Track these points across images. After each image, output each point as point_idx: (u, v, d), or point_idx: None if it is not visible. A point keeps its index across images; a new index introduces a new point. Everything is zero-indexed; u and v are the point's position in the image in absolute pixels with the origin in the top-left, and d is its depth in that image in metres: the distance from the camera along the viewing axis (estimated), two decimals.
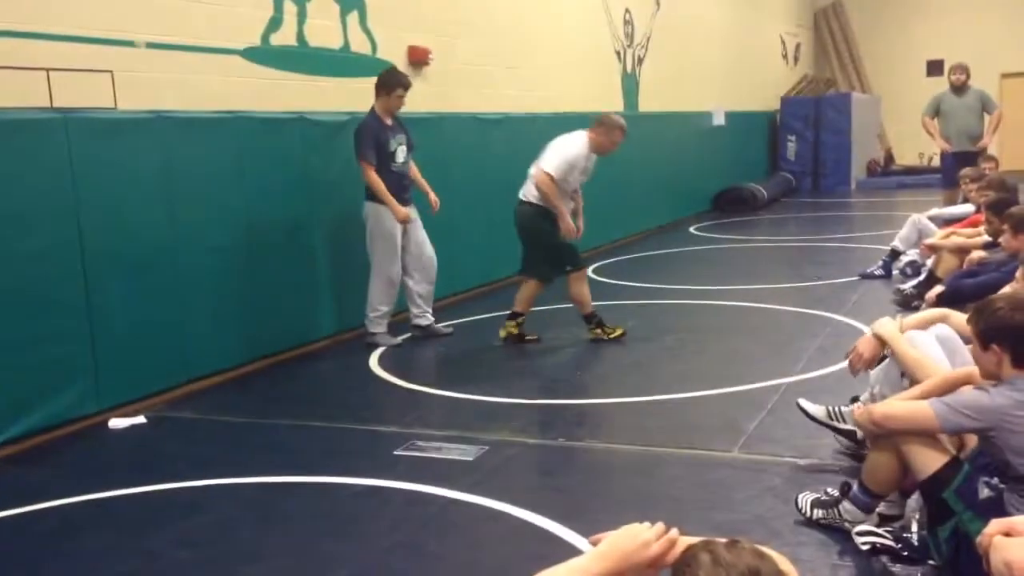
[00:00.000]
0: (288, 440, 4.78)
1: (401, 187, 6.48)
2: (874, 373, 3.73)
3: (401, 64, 7.80)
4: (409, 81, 6.51)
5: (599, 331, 6.37)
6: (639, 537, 1.70)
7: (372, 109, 6.44)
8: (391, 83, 6.39)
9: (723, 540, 1.49)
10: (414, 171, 6.74)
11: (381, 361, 6.24)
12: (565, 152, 6.15)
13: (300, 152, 6.55)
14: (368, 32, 7.45)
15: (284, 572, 3.31)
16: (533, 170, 6.24)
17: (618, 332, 6.38)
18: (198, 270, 5.75)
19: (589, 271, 7.25)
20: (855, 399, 3.97)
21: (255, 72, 6.38)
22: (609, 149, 6.32)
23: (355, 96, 7.26)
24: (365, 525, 3.66)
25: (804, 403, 4.07)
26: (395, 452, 4.41)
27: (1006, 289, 3.85)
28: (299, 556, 3.41)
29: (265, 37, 6.46)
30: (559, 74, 10.37)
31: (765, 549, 1.48)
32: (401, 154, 6.48)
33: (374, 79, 7.42)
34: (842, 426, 3.93)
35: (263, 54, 6.45)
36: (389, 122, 6.45)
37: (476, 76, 8.89)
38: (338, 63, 7.14)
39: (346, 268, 6.98)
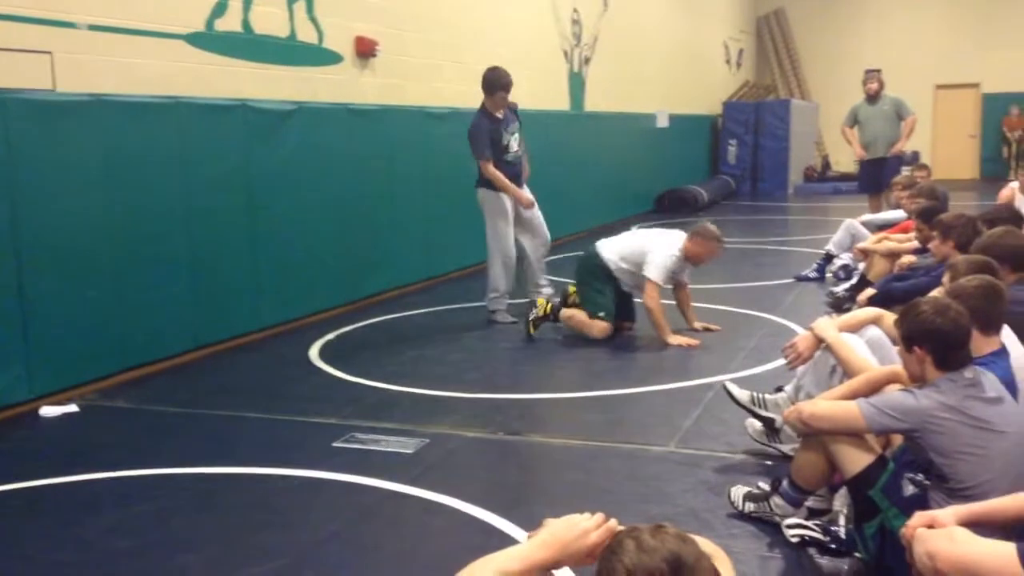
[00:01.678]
0: (225, 431, 4.73)
1: (515, 175, 6.78)
2: (801, 367, 3.85)
3: (348, 54, 7.77)
4: (508, 81, 6.70)
5: (533, 318, 6.45)
6: (579, 526, 1.74)
7: (482, 106, 6.74)
8: (492, 86, 6.72)
9: (648, 526, 1.53)
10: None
11: (322, 353, 6.21)
12: (665, 262, 6.13)
13: (244, 140, 6.48)
14: (315, 21, 7.39)
15: (219, 561, 3.28)
16: (625, 252, 6.29)
17: (531, 327, 6.45)
18: (136, 258, 5.66)
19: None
20: (779, 389, 4.10)
21: (199, 58, 6.29)
22: (704, 261, 6.32)
23: (301, 85, 7.21)
24: (301, 516, 3.65)
25: (730, 386, 4.21)
26: (334, 444, 4.40)
27: (933, 293, 3.97)
28: (234, 546, 3.39)
29: (210, 23, 6.37)
30: (507, 70, 10.38)
31: (689, 534, 1.53)
32: (515, 144, 6.78)
33: (320, 68, 7.40)
34: (762, 412, 4.05)
35: (207, 40, 6.36)
36: (500, 115, 6.72)
37: (424, 70, 8.88)
38: (284, 51, 7.07)
39: (288, 258, 6.93)
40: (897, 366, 3.18)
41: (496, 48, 10.16)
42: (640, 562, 1.45)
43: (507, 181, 6.73)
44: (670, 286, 6.35)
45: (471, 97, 9.52)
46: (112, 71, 5.65)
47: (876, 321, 3.84)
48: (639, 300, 6.37)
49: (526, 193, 6.79)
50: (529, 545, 1.76)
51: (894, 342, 3.67)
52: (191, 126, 6.03)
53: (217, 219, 6.27)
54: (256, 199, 6.61)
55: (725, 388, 4.24)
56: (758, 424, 4.07)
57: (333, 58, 7.62)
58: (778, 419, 3.97)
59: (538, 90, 11.22)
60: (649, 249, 6.21)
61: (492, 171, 6.71)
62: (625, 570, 1.45)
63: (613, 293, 6.36)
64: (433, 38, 9.00)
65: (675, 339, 6.13)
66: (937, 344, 2.82)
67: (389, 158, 8.13)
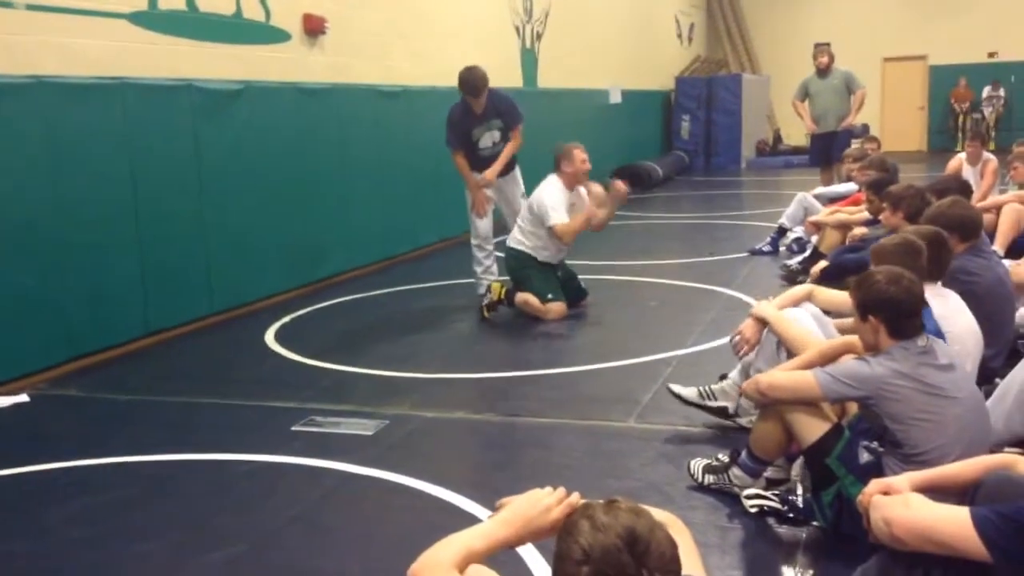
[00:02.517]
0: (180, 417, 4.67)
1: (487, 167, 6.69)
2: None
3: (296, 32, 7.64)
4: (472, 87, 6.52)
5: (487, 303, 6.46)
6: (540, 503, 1.75)
7: (463, 96, 6.64)
8: (460, 88, 6.58)
9: (601, 503, 1.53)
10: (509, 144, 6.79)
11: (277, 336, 6.14)
12: (553, 202, 6.21)
13: (190, 120, 6.36)
14: None
15: (179, 548, 3.24)
16: (525, 225, 6.37)
17: (485, 310, 6.44)
18: (83, 243, 5.54)
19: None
20: (723, 376, 4.11)
21: (142, 37, 6.14)
22: (582, 173, 6.38)
23: (248, 64, 7.08)
24: (261, 501, 3.62)
25: (675, 387, 4.18)
26: (292, 428, 4.35)
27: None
28: (194, 532, 3.35)
29: (153, 1, 6.22)
30: (458, 47, 10.30)
31: (644, 506, 1.53)
32: (488, 140, 6.72)
33: (268, 47, 7.28)
34: (712, 404, 4.05)
35: (151, 18, 6.21)
36: (479, 111, 6.63)
37: (374, 47, 8.78)
38: (230, 29, 6.93)
39: (240, 241, 6.83)
40: (850, 337, 3.22)
41: (447, 25, 10.08)
42: (596, 541, 1.45)
43: (467, 171, 6.70)
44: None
45: (422, 75, 9.48)
46: (52, 52, 5.49)
47: (808, 298, 3.88)
48: (584, 275, 6.41)
49: (474, 179, 6.69)
50: (492, 523, 1.77)
51: (828, 315, 3.75)
52: (136, 107, 5.90)
53: (165, 202, 6.16)
54: (205, 180, 6.50)
55: (669, 390, 4.18)
56: (714, 418, 4.08)
57: (281, 36, 7.49)
58: (730, 405, 3.99)
59: (490, 67, 11.02)
60: (535, 201, 6.29)
61: (456, 160, 6.71)
62: (581, 550, 1.46)
63: (553, 274, 6.37)
64: (382, 15, 8.89)
65: (592, 193, 6.30)
66: (891, 313, 2.86)
67: (340, 137, 8.03)
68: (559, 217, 6.20)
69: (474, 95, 6.54)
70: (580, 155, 6.34)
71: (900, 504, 2.25)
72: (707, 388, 4.10)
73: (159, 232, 6.09)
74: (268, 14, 7.34)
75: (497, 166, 6.68)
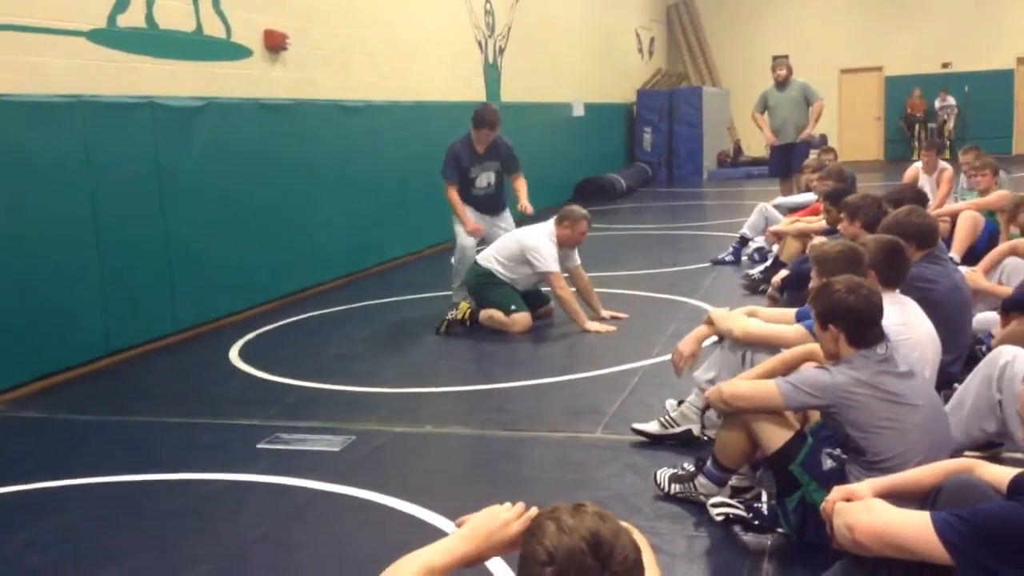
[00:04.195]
0: (144, 437, 4.61)
1: (481, 206, 6.84)
2: (706, 364, 3.90)
3: (257, 48, 7.62)
4: (492, 119, 6.67)
5: (450, 319, 6.44)
6: (500, 517, 1.76)
7: (468, 133, 6.72)
8: (477, 122, 6.69)
9: (568, 506, 1.55)
10: (518, 185, 6.91)
11: (242, 353, 6.10)
12: (550, 250, 6.23)
13: (152, 138, 6.31)
14: (222, 15, 7.22)
15: (141, 572, 3.20)
16: (504, 259, 6.35)
17: (444, 325, 6.42)
18: (42, 262, 5.47)
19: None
20: (681, 402, 4.13)
21: (102, 55, 6.09)
22: (578, 241, 6.41)
23: (209, 80, 7.05)
24: (226, 521, 3.58)
25: (637, 426, 4.16)
26: (258, 446, 4.32)
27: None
28: (157, 555, 3.31)
29: (112, 18, 6.17)
30: (420, 62, 10.34)
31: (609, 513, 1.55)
32: (484, 180, 6.79)
33: (229, 63, 7.24)
34: (677, 430, 4.06)
35: (110, 36, 6.16)
36: (481, 150, 6.72)
37: (336, 63, 8.77)
38: (191, 46, 6.89)
39: (203, 258, 6.78)
40: (811, 345, 3.26)
41: (409, 40, 10.09)
42: (561, 543, 1.47)
43: (460, 206, 6.74)
44: (566, 274, 6.40)
45: (385, 90, 9.49)
46: (9, 70, 5.43)
47: (753, 315, 3.97)
48: (548, 288, 6.45)
49: (473, 224, 6.75)
50: (452, 538, 1.78)
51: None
52: (96, 126, 5.85)
53: (127, 220, 6.10)
54: (167, 198, 6.45)
55: (634, 430, 4.15)
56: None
57: (242, 52, 7.47)
58: (694, 428, 4.01)
59: (453, 81, 11.19)
60: (526, 245, 6.29)
61: (449, 194, 6.76)
62: (546, 552, 1.48)
63: (513, 288, 6.40)
64: (344, 31, 8.88)
65: (592, 326, 6.21)
66: (850, 322, 2.90)
67: (304, 152, 8.01)
68: (555, 265, 6.22)
69: (491, 128, 6.69)
70: (586, 227, 6.37)
71: (862, 510, 2.28)
72: (667, 417, 4.10)
73: (120, 250, 6.03)
74: (229, 31, 7.31)
75: (525, 199, 6.85)
